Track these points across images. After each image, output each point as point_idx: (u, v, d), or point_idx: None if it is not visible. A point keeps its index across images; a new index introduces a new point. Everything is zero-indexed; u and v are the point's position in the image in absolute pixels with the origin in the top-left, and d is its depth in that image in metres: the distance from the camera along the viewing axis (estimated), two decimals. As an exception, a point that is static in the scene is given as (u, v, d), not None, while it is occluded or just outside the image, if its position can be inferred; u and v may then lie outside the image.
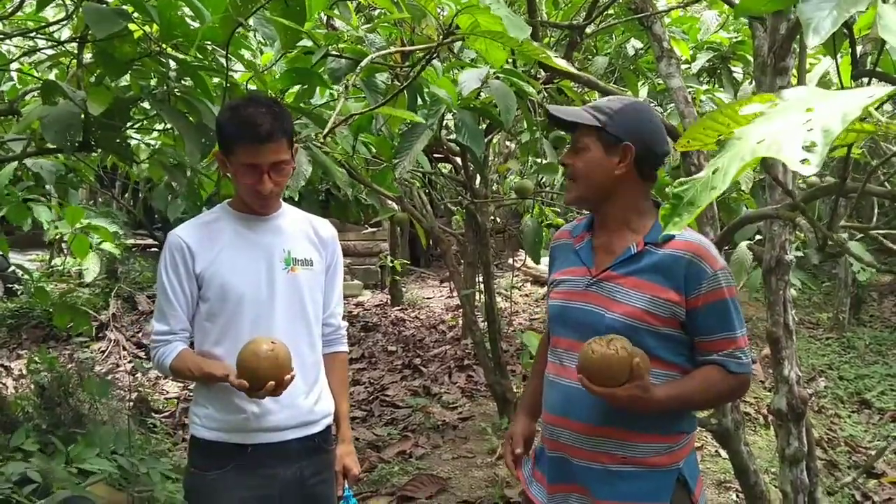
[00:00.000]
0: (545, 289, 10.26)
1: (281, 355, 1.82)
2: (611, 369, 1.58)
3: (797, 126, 0.72)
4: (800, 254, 2.77)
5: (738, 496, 4.16)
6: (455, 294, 9.90)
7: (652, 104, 3.91)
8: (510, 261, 10.51)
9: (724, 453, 4.49)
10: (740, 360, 1.70)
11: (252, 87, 2.59)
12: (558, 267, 1.94)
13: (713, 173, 0.75)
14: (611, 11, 3.90)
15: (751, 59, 4.08)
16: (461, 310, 7.23)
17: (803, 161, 0.68)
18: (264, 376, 1.79)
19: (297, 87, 2.72)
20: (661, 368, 1.71)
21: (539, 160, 4.05)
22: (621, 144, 1.73)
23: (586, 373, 1.61)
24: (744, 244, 3.08)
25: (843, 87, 1.57)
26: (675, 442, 1.74)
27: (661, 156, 1.78)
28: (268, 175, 1.92)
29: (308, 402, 2.07)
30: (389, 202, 4.90)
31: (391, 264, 9.76)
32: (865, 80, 1.69)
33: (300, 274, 2.06)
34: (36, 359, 4.43)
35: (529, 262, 9.06)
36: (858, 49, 1.74)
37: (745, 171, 0.72)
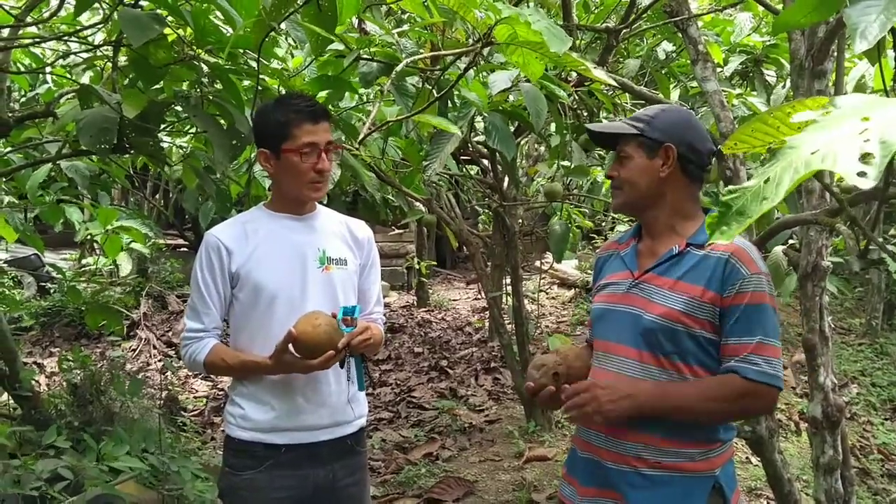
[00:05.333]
0: (572, 291, 10.18)
1: (334, 325, 1.91)
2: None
3: (853, 136, 0.69)
4: (838, 259, 2.71)
5: (769, 504, 4.10)
6: (481, 296, 9.88)
7: (684, 107, 3.86)
8: (537, 263, 10.48)
9: (754, 460, 4.44)
10: (758, 367, 1.60)
11: (283, 90, 2.60)
12: (603, 274, 1.93)
13: (765, 183, 0.73)
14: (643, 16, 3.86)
15: (784, 62, 4.02)
16: (488, 312, 7.22)
17: (860, 174, 0.65)
18: (322, 343, 1.87)
19: (325, 92, 2.73)
20: (701, 376, 1.68)
21: (568, 163, 4.02)
22: (662, 146, 1.73)
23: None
24: (778, 248, 3.04)
25: (886, 91, 1.53)
26: (711, 448, 1.71)
27: (705, 153, 1.77)
28: (325, 153, 1.99)
29: (340, 403, 2.07)
30: (417, 204, 4.90)
31: (417, 266, 9.78)
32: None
33: (334, 273, 2.06)
34: (69, 357, 4.49)
35: (556, 264, 9.02)
36: None
37: (799, 183, 0.69)
